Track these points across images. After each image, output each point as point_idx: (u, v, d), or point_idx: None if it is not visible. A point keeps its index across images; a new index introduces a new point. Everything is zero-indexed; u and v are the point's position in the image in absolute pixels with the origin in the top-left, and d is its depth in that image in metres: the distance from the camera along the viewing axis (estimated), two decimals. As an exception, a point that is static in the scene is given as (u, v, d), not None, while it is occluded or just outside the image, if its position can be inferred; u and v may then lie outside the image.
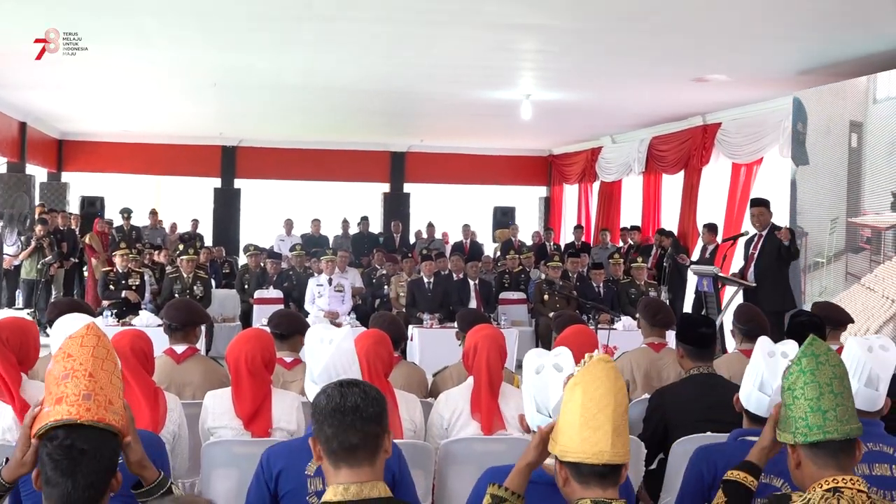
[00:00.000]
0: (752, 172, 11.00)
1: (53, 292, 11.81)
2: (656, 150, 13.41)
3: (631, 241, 13.05)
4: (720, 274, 7.62)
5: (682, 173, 12.67)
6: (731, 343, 6.75)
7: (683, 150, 12.54)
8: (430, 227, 16.08)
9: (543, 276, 10.54)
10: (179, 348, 4.40)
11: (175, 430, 3.52)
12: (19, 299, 11.68)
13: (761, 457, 2.46)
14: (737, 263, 8.83)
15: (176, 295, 8.93)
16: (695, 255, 11.09)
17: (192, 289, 9.27)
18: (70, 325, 3.40)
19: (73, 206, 15.13)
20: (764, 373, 2.86)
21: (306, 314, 9.01)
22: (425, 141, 17.04)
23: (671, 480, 3.52)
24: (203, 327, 5.82)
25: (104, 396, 2.03)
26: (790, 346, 2.90)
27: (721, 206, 11.45)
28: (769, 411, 2.80)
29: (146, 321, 7.76)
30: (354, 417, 2.07)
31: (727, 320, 6.36)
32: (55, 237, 11.86)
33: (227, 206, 17.02)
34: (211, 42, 8.04)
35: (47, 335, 4.06)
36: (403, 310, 9.88)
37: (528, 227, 17.17)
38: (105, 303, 9.16)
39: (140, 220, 15.06)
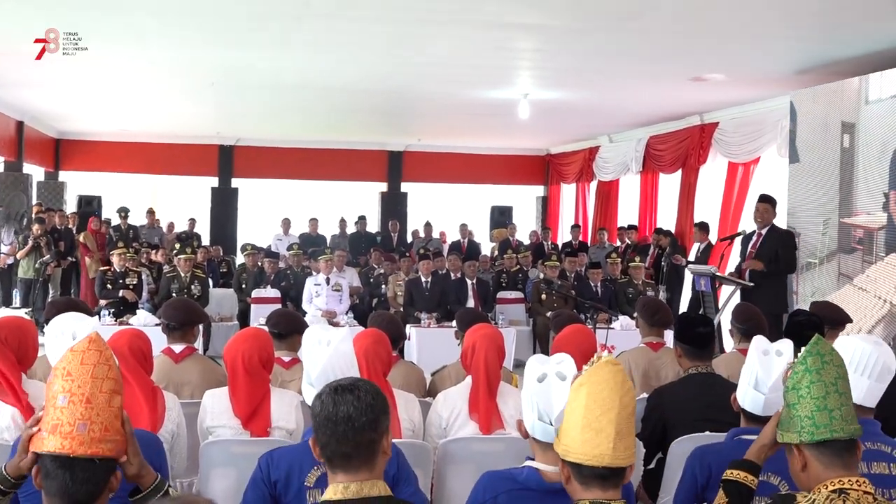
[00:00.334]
0: (749, 172, 11.01)
1: (51, 291, 11.81)
2: (653, 149, 13.41)
3: (628, 241, 13.07)
4: (717, 273, 7.62)
5: (679, 173, 12.68)
6: (728, 342, 6.76)
7: (681, 150, 12.54)
8: (428, 226, 16.06)
9: (541, 276, 10.52)
10: (177, 348, 4.40)
11: (173, 430, 3.53)
12: (16, 299, 11.66)
13: (760, 455, 2.45)
14: (733, 262, 8.82)
15: (173, 294, 8.92)
16: (692, 255, 11.10)
17: (190, 288, 9.25)
18: (66, 324, 3.39)
19: (71, 206, 15.11)
20: (758, 371, 2.86)
21: (304, 313, 8.99)
22: (423, 140, 17.03)
23: (670, 480, 3.52)
24: (201, 327, 5.81)
25: (100, 424, 2.02)
26: (785, 345, 2.91)
27: (718, 205, 11.46)
28: (764, 409, 2.82)
29: (144, 320, 7.76)
30: (346, 427, 2.05)
31: (725, 319, 6.36)
32: (52, 236, 11.84)
33: (224, 206, 17.01)
34: (209, 41, 8.03)
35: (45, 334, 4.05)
36: (401, 309, 9.88)
37: (525, 227, 17.16)
38: (102, 302, 9.15)
39: (137, 219, 15.03)
